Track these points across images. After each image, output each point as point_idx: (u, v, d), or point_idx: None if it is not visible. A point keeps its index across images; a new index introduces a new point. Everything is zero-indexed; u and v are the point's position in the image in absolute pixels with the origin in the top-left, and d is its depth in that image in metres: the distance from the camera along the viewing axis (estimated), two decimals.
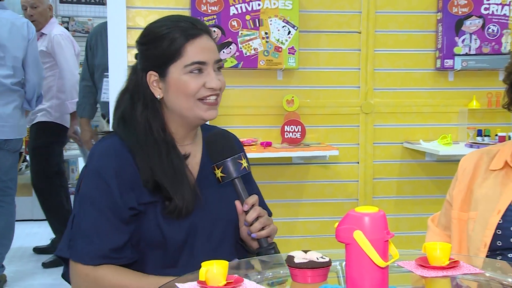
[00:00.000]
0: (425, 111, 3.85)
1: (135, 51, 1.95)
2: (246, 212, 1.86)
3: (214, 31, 3.45)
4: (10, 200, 4.44)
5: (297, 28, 3.60)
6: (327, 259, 1.51)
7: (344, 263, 1.31)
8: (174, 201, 1.78)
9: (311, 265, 1.49)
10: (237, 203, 1.88)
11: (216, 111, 1.89)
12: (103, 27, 4.61)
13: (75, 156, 6.75)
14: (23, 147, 5.13)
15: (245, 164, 1.87)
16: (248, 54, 3.58)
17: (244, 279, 1.46)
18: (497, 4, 3.73)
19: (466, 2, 3.71)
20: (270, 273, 1.67)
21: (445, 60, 3.73)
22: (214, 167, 1.85)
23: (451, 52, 3.72)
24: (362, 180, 3.84)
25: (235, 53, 3.56)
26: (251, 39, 3.58)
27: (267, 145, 3.58)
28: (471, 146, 3.49)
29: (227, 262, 1.45)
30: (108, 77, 4.21)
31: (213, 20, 3.52)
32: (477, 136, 3.74)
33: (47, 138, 5.10)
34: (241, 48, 3.57)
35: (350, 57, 3.77)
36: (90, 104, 4.68)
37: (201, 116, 1.86)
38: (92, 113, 4.76)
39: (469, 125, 3.80)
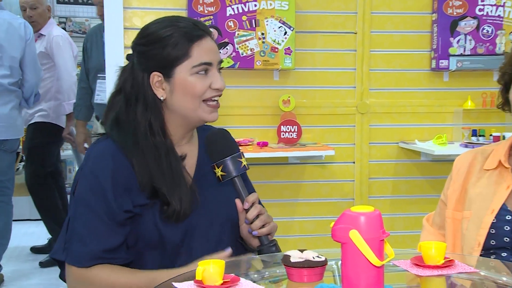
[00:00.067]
0: (420, 111, 3.86)
1: (131, 51, 1.94)
2: (247, 210, 1.87)
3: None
4: (8, 200, 4.44)
5: (293, 28, 3.61)
6: (323, 258, 1.52)
7: (340, 262, 1.31)
8: (172, 205, 1.78)
9: (307, 264, 1.49)
10: (238, 201, 1.89)
11: (217, 113, 1.89)
12: (97, 29, 4.62)
13: (73, 157, 6.74)
14: (20, 147, 5.13)
15: (244, 162, 1.88)
16: (244, 54, 3.59)
17: (241, 278, 1.46)
18: (491, 5, 3.74)
19: (461, 3, 3.72)
20: (267, 272, 1.67)
21: (440, 61, 3.74)
22: (214, 166, 1.86)
23: (446, 53, 3.73)
24: (358, 179, 3.85)
25: (231, 54, 3.57)
26: (247, 40, 3.59)
27: (263, 145, 3.59)
28: (466, 146, 3.50)
29: (223, 262, 1.45)
30: (101, 79, 4.22)
31: (210, 21, 3.52)
32: (472, 136, 3.75)
33: (44, 139, 5.10)
34: (237, 49, 3.58)
35: (346, 57, 3.77)
36: (86, 106, 4.67)
37: (204, 118, 1.87)
38: (88, 115, 4.75)
39: (464, 125, 3.82)
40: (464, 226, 2.04)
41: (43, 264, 4.95)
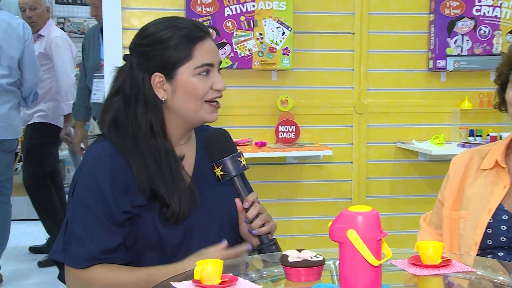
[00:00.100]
0: (418, 111, 3.87)
1: (128, 52, 1.92)
2: (247, 210, 1.87)
3: None
4: (6, 200, 4.44)
5: (291, 29, 3.62)
6: (321, 258, 1.52)
7: (337, 261, 1.32)
8: (171, 207, 1.78)
9: (305, 264, 1.50)
10: (237, 200, 1.89)
11: (217, 113, 1.90)
12: (95, 28, 4.63)
13: None
14: (19, 147, 5.13)
15: (244, 161, 1.88)
16: (242, 54, 3.60)
17: (239, 277, 1.46)
18: (488, 6, 3.75)
19: (458, 3, 3.74)
20: (265, 272, 1.67)
21: (438, 61, 3.75)
22: (214, 165, 1.86)
23: (444, 53, 3.75)
24: (356, 179, 3.86)
25: (229, 54, 3.58)
26: (245, 40, 3.59)
27: (261, 145, 3.60)
28: (463, 146, 3.51)
29: (221, 261, 1.46)
30: (98, 78, 4.22)
31: (208, 21, 3.53)
32: (469, 136, 3.76)
33: (43, 139, 5.10)
34: (235, 49, 3.59)
35: (344, 57, 3.78)
36: (85, 107, 4.66)
37: (205, 118, 1.87)
38: (87, 116, 4.74)
39: (461, 125, 3.83)
40: (461, 225, 2.04)
41: (41, 264, 4.95)
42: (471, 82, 3.88)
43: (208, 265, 1.43)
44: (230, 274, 1.47)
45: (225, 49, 3.56)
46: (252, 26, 3.59)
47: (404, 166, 3.91)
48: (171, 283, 1.45)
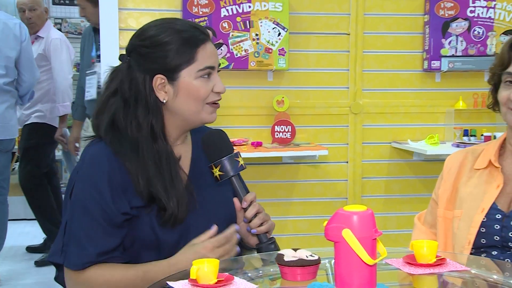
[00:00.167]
0: (412, 112, 3.88)
1: (124, 51, 1.90)
2: (245, 209, 1.87)
3: None
4: (3, 199, 4.44)
5: (287, 29, 3.63)
6: (316, 257, 1.52)
7: (333, 261, 1.32)
8: (169, 210, 1.77)
9: (301, 263, 1.50)
10: (236, 200, 1.89)
11: (216, 114, 1.90)
12: (88, 29, 4.64)
13: None
14: (16, 147, 5.13)
15: (241, 161, 1.88)
16: (239, 55, 3.61)
17: (235, 277, 1.47)
18: (482, 7, 3.77)
19: (452, 4, 3.75)
20: (261, 271, 1.67)
21: (432, 62, 3.77)
22: (212, 166, 1.86)
23: (438, 54, 3.76)
24: (351, 179, 3.86)
25: (226, 54, 3.58)
26: (242, 41, 3.60)
27: (257, 145, 3.61)
28: (457, 146, 3.51)
29: (218, 260, 1.46)
30: (89, 75, 4.23)
31: (205, 22, 3.53)
32: (463, 136, 3.77)
33: (40, 139, 5.10)
34: (232, 50, 3.60)
35: (339, 58, 3.79)
36: (82, 106, 4.65)
37: (206, 119, 1.87)
38: (84, 115, 4.75)
39: (456, 125, 3.83)
40: (455, 225, 2.05)
41: (38, 264, 4.95)
42: (465, 83, 3.89)
43: (204, 264, 1.43)
44: (226, 273, 1.48)
45: (221, 49, 3.57)
46: (248, 27, 3.60)
47: (399, 166, 3.92)
48: (168, 282, 1.46)
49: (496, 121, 3.84)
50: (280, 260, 1.53)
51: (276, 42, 3.62)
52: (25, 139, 5.14)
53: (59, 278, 1.89)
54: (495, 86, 2.06)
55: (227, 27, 3.59)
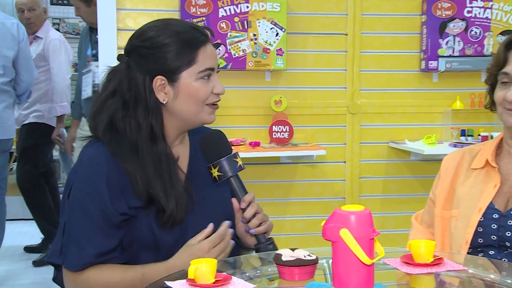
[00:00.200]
0: (410, 112, 3.88)
1: (123, 52, 1.89)
2: (243, 210, 1.87)
3: None
4: (1, 199, 4.43)
5: (285, 30, 3.63)
6: (314, 257, 1.53)
7: (330, 260, 1.32)
8: (168, 211, 1.77)
9: (299, 263, 1.50)
10: (234, 200, 1.89)
11: (215, 115, 1.90)
12: (85, 29, 4.64)
13: None
14: (13, 147, 5.13)
15: (240, 162, 1.88)
16: (236, 55, 3.61)
17: (233, 277, 1.47)
18: (479, 7, 3.78)
19: (449, 5, 3.76)
20: (259, 271, 1.67)
21: (430, 62, 3.77)
22: (211, 166, 1.85)
23: (435, 54, 3.77)
24: (349, 179, 3.87)
25: (224, 55, 3.59)
26: (239, 41, 3.61)
27: (255, 145, 3.61)
28: (455, 146, 3.52)
29: (215, 260, 1.47)
30: (85, 74, 4.23)
31: (202, 22, 3.54)
32: (460, 136, 3.78)
33: (38, 139, 5.10)
34: (230, 50, 3.60)
35: (337, 58, 3.80)
36: (80, 106, 4.67)
37: (205, 120, 1.87)
38: (81, 115, 4.76)
39: (453, 125, 3.84)
40: (453, 224, 2.05)
41: (36, 263, 4.95)
42: (462, 83, 3.90)
43: (202, 264, 1.43)
44: (224, 273, 1.48)
45: (219, 49, 3.57)
46: (246, 27, 3.61)
47: (397, 165, 3.93)
48: (166, 282, 1.46)
49: (493, 121, 3.85)
50: (278, 260, 1.53)
51: (274, 42, 3.63)
52: (23, 139, 5.14)
53: (57, 279, 1.89)
54: (492, 86, 2.07)
55: (225, 27, 3.59)
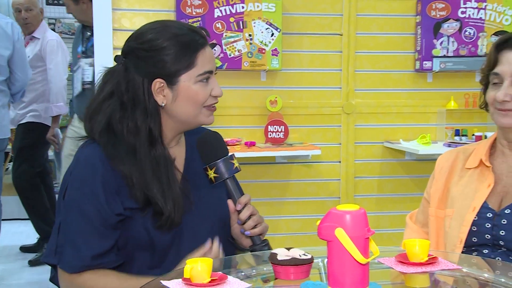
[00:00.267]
0: (404, 112, 3.90)
1: (120, 53, 1.88)
2: (239, 211, 1.87)
3: None
4: None
5: (280, 30, 3.64)
6: (309, 256, 1.52)
7: (326, 260, 1.32)
8: (166, 213, 1.77)
9: (294, 262, 1.50)
10: (230, 202, 1.88)
11: (213, 116, 1.90)
12: (79, 27, 4.64)
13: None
14: (9, 147, 5.12)
15: (236, 164, 1.88)
16: (232, 55, 3.62)
17: (228, 276, 1.47)
18: (473, 8, 3.79)
19: (444, 5, 3.77)
20: (254, 270, 1.68)
21: (424, 62, 3.79)
22: (207, 168, 1.85)
23: (430, 54, 3.78)
24: (344, 178, 3.88)
25: (219, 55, 3.59)
26: (235, 41, 3.62)
27: (251, 144, 3.62)
28: (449, 146, 3.53)
29: (211, 260, 1.46)
30: (75, 71, 4.24)
31: (198, 22, 3.54)
32: (455, 135, 3.79)
33: (34, 139, 5.10)
34: (225, 50, 3.61)
35: (332, 58, 3.81)
36: None
37: (203, 122, 1.87)
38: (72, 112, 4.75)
39: (447, 125, 3.86)
40: (447, 223, 2.06)
41: (32, 263, 4.95)
42: (456, 83, 3.91)
43: (198, 263, 1.43)
44: (220, 272, 1.48)
45: (214, 50, 3.57)
46: (241, 27, 3.62)
47: (391, 165, 3.94)
48: (162, 281, 1.46)
49: (487, 121, 3.85)
50: (273, 259, 1.53)
51: (269, 42, 3.64)
52: (20, 138, 5.14)
53: (55, 279, 1.88)
54: (486, 86, 2.08)
55: (220, 27, 3.60)
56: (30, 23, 5.11)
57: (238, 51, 3.62)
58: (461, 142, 3.65)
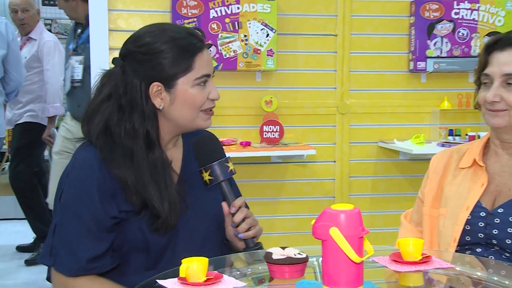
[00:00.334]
0: (399, 112, 3.91)
1: (117, 54, 1.87)
2: (233, 214, 1.86)
3: None
4: None
5: (276, 30, 3.65)
6: (304, 255, 1.52)
7: (320, 259, 1.33)
8: (163, 215, 1.76)
9: (289, 261, 1.50)
10: (224, 205, 1.87)
11: (211, 120, 1.89)
12: (72, 25, 4.64)
13: None
14: (5, 146, 5.13)
15: (231, 167, 1.87)
16: (227, 56, 3.63)
17: (224, 275, 1.47)
18: (466, 9, 3.81)
19: (437, 6, 3.79)
20: (249, 269, 1.68)
21: (418, 62, 3.80)
22: (202, 170, 1.84)
23: (424, 55, 3.80)
24: (339, 178, 3.89)
25: (215, 55, 3.60)
26: (230, 42, 3.63)
27: (246, 144, 3.62)
28: (443, 146, 3.55)
29: (207, 259, 1.46)
30: (66, 69, 4.24)
31: (193, 23, 3.55)
32: (448, 135, 3.80)
33: (31, 139, 5.09)
34: (220, 50, 3.62)
35: (327, 59, 3.82)
36: None
37: (201, 126, 1.87)
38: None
39: (441, 125, 3.87)
40: (441, 223, 2.07)
41: (28, 262, 4.94)
42: (450, 83, 3.93)
43: (193, 263, 1.44)
44: (215, 271, 1.49)
45: (210, 50, 3.57)
46: (237, 28, 3.63)
47: (386, 165, 3.95)
48: (157, 280, 1.46)
49: (480, 121, 3.85)
50: (268, 258, 1.53)
51: (265, 43, 3.65)
52: (18, 138, 5.13)
53: (51, 279, 1.88)
54: (479, 87, 2.09)
55: (216, 28, 3.61)
56: (27, 23, 5.11)
57: (234, 52, 3.63)
58: (454, 142, 3.66)
